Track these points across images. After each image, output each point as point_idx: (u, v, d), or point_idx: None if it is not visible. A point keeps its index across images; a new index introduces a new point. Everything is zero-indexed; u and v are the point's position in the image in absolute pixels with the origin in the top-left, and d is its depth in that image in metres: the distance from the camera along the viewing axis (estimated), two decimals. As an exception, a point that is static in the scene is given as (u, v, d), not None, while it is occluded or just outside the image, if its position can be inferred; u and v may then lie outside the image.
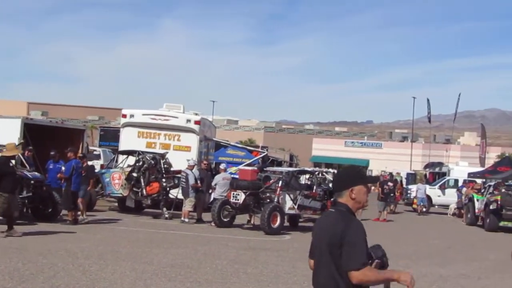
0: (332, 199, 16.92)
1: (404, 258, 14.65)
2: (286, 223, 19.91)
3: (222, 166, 22.24)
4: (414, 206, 34.73)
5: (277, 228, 18.51)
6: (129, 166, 21.94)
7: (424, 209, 33.94)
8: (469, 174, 34.62)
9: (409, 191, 37.07)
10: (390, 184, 29.26)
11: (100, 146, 38.73)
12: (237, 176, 21.44)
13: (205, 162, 22.87)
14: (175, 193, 21.26)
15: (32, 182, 17.03)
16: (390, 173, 36.45)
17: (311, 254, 4.39)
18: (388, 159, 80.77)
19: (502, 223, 24.66)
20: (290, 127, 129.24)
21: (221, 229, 18.82)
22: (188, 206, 20.08)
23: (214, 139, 29.31)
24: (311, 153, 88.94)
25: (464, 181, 33.96)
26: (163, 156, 21.81)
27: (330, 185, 20.98)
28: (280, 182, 19.49)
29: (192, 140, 24.12)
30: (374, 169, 77.86)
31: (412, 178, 54.89)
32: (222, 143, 34.01)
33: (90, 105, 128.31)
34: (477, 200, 27.49)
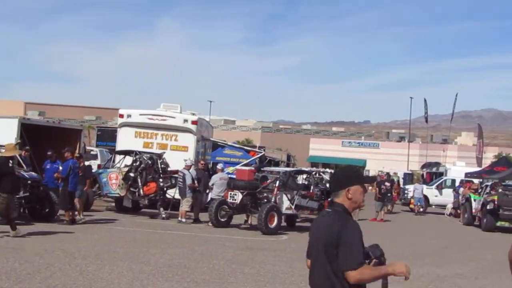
0: (329, 199, 16.92)
1: (401, 258, 14.55)
2: (283, 223, 19.92)
3: (219, 166, 22.25)
4: (411, 206, 34.80)
5: (274, 228, 18.52)
6: (126, 166, 21.93)
7: (421, 209, 34.01)
8: (466, 174, 34.68)
9: (406, 191, 37.15)
10: (387, 184, 29.30)
11: (97, 146, 38.76)
12: (234, 176, 21.46)
13: (202, 162, 22.86)
14: (172, 193, 21.26)
15: (29, 182, 17.01)
16: (387, 173, 36.45)
17: (308, 254, 4.40)
18: (385, 159, 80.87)
19: (499, 223, 24.70)
20: (287, 127, 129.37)
21: (218, 229, 18.82)
22: (185, 206, 20.08)
23: (212, 139, 29.31)
24: (308, 153, 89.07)
25: (461, 181, 34.02)
26: (160, 156, 21.80)
27: (327, 185, 21.00)
28: (277, 182, 19.50)
29: (189, 140, 24.11)
30: (371, 169, 78.02)
31: (409, 178, 54.90)
32: (219, 143, 34.02)
33: (87, 105, 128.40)
34: (474, 200, 27.54)
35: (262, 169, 22.77)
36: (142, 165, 21.17)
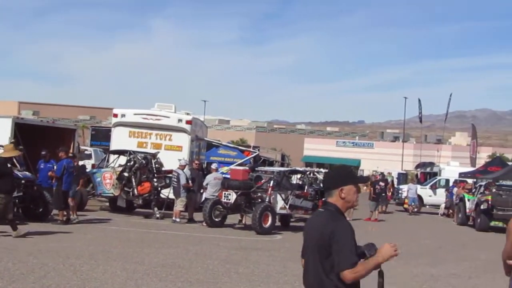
0: (323, 199, 16.94)
1: (395, 258, 14.65)
2: (278, 223, 19.93)
3: (213, 166, 22.24)
4: (405, 206, 34.84)
5: (268, 228, 18.52)
6: (120, 165, 21.89)
7: (415, 209, 34.06)
8: (460, 174, 34.77)
9: (400, 191, 37.19)
10: (382, 184, 29.34)
11: (91, 145, 38.72)
12: (228, 176, 21.43)
13: (196, 162, 22.86)
14: (167, 193, 21.25)
15: (23, 181, 16.96)
16: (382, 173, 36.51)
17: (303, 254, 4.41)
18: (380, 159, 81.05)
19: (493, 223, 24.73)
20: (281, 127, 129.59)
21: (212, 229, 18.82)
22: (179, 206, 20.06)
23: (206, 139, 29.32)
24: (303, 153, 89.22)
25: (455, 181, 34.06)
26: (154, 155, 21.78)
27: (322, 185, 21.01)
28: (272, 182, 19.50)
29: (183, 140, 24.11)
30: (366, 169, 78.21)
31: (404, 178, 55.00)
32: (213, 143, 34.01)
33: (81, 104, 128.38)
34: (468, 200, 27.59)
35: (256, 169, 22.77)
36: (136, 165, 21.14)
